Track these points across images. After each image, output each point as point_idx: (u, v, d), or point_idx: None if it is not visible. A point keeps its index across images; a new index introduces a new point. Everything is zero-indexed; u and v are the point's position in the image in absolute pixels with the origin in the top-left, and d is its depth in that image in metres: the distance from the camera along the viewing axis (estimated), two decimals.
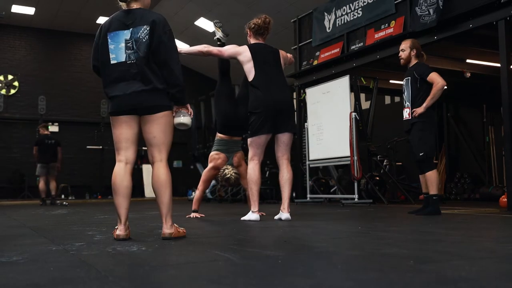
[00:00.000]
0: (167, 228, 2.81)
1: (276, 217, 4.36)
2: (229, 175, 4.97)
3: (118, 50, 2.79)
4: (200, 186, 5.07)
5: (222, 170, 5.03)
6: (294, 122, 4.49)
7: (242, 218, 4.38)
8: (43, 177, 9.74)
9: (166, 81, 2.80)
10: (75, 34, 15.95)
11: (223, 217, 5.04)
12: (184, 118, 2.89)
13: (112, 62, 2.80)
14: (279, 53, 4.56)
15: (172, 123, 2.89)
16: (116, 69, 2.79)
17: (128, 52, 2.77)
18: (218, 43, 5.15)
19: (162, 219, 2.82)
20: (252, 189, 4.32)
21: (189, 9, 13.49)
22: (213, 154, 5.15)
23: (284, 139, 4.35)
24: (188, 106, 2.93)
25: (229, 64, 5.05)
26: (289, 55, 4.72)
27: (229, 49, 4.44)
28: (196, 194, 5.10)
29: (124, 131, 2.83)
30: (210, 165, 5.10)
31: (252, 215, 4.29)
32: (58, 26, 15.46)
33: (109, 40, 2.81)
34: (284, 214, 4.28)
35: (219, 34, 5.19)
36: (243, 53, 4.38)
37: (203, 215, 5.01)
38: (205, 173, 5.10)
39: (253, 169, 4.32)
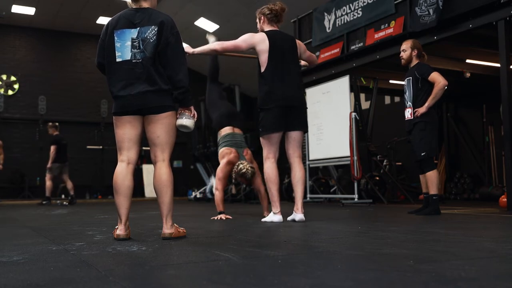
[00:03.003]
0: (167, 228, 2.81)
1: (289, 218, 4.14)
2: (244, 169, 4.65)
3: (124, 48, 2.78)
4: (219, 185, 4.73)
5: (236, 166, 4.74)
6: (306, 119, 4.21)
7: (263, 220, 4.18)
8: (53, 176, 9.75)
9: (171, 82, 2.80)
10: (75, 34, 15.95)
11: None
12: (187, 121, 2.88)
13: (117, 60, 2.79)
14: (296, 42, 4.24)
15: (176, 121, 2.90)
16: (121, 67, 2.79)
17: (134, 51, 2.77)
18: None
19: (162, 219, 2.82)
20: (271, 189, 4.09)
21: (189, 9, 13.50)
22: (223, 149, 4.88)
23: (294, 136, 4.13)
24: (192, 108, 2.92)
25: (219, 69, 4.96)
26: (307, 52, 4.40)
27: (246, 40, 4.07)
28: (217, 195, 4.72)
29: (127, 131, 2.83)
30: (224, 160, 4.79)
31: (275, 217, 4.06)
32: (58, 26, 15.45)
33: (115, 38, 2.80)
34: (298, 215, 4.08)
35: (212, 39, 4.79)
36: (263, 42, 4.04)
37: (229, 217, 4.66)
38: (220, 170, 4.76)
39: (270, 168, 4.08)
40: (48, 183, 9.69)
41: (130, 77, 2.77)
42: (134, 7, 2.87)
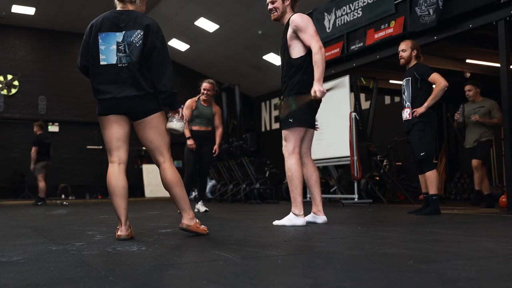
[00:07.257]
0: (187, 220, 2.85)
1: (308, 219, 3.87)
2: None
3: (109, 52, 2.77)
4: None
5: None
6: None
7: (279, 223, 3.73)
8: (44, 175, 9.69)
9: (156, 86, 2.79)
10: (75, 34, 15.92)
11: (223, 217, 5.04)
12: (176, 124, 2.86)
13: (101, 63, 2.78)
14: None
15: (166, 123, 2.90)
16: (105, 71, 2.78)
17: (120, 55, 2.76)
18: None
19: (182, 213, 2.88)
20: (298, 188, 3.74)
21: (189, 9, 13.49)
22: None
23: (310, 134, 4.00)
24: (180, 110, 2.89)
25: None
26: None
27: (314, 27, 3.84)
28: None
29: (115, 131, 2.82)
30: None
31: (298, 220, 3.67)
32: (58, 26, 15.46)
33: (100, 41, 2.78)
34: (321, 217, 3.90)
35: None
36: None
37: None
38: None
39: (297, 164, 3.76)
40: (41, 183, 9.57)
41: (116, 81, 2.76)
42: (118, 8, 2.87)
